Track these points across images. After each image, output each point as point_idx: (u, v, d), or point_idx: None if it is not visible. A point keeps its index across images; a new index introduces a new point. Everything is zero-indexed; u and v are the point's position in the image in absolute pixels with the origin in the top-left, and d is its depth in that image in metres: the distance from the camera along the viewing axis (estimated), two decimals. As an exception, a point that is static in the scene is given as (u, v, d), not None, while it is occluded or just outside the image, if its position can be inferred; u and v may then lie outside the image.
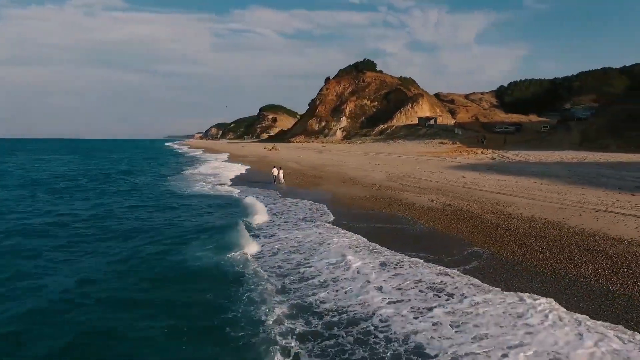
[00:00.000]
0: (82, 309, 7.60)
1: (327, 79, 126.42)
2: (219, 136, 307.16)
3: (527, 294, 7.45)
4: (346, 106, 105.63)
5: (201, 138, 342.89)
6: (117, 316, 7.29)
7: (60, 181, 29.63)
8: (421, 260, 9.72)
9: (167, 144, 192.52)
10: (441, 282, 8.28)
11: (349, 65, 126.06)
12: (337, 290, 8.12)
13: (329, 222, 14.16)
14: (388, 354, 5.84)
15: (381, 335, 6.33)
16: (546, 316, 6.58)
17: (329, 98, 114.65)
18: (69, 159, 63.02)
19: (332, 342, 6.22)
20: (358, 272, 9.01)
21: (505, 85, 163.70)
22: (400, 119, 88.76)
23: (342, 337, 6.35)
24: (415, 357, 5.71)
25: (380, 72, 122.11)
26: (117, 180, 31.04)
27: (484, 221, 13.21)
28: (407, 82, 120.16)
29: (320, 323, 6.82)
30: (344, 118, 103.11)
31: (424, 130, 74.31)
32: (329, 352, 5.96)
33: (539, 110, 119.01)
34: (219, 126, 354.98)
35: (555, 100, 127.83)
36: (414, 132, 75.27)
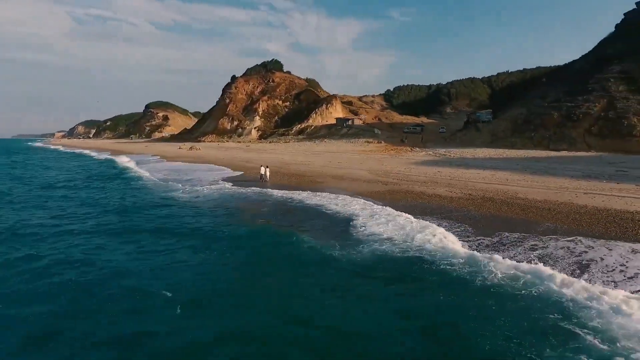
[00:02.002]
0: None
1: (234, 77, 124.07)
2: (91, 135, 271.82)
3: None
4: (258, 105, 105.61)
5: (64, 137, 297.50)
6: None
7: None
8: (515, 234, 12.48)
9: (36, 144, 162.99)
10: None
11: (257, 65, 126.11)
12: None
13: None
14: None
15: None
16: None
17: (239, 97, 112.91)
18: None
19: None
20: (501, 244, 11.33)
21: (391, 89, 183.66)
22: (317, 119, 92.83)
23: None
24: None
25: (288, 72, 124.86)
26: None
27: (520, 205, 16.55)
28: (314, 83, 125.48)
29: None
30: (257, 117, 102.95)
31: (345, 130, 79.43)
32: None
33: (423, 113, 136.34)
34: (88, 124, 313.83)
35: (436, 104, 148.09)
36: (335, 132, 79.84)
